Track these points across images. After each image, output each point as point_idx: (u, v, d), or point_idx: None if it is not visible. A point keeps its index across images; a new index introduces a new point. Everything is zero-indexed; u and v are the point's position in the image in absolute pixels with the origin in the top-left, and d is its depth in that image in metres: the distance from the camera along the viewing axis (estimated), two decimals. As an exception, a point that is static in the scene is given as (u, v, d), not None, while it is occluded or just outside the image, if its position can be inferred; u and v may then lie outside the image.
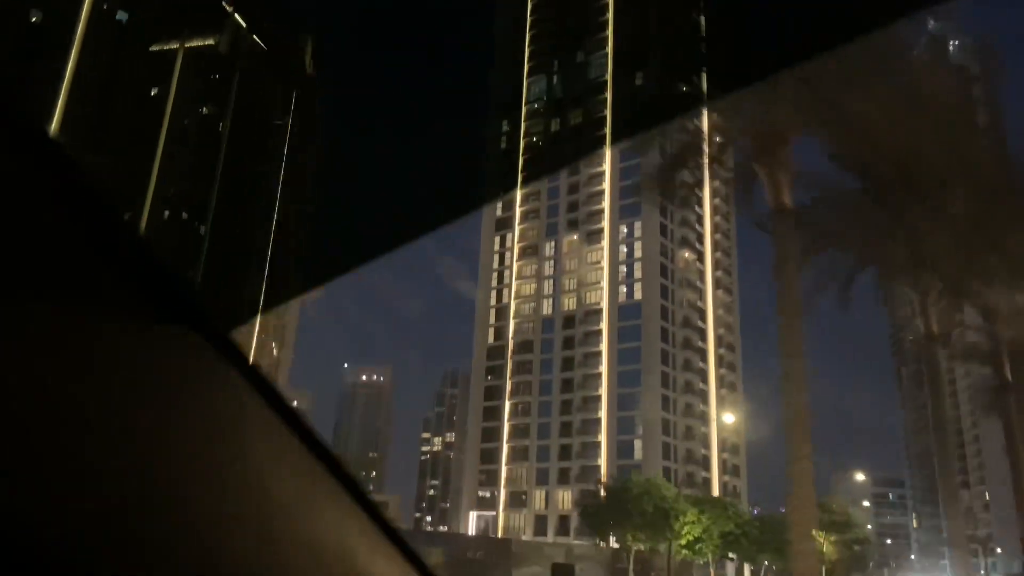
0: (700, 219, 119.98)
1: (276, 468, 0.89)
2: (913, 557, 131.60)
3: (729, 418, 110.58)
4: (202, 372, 0.82)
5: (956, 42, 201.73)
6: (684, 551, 37.25)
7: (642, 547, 39.13)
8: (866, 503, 71.93)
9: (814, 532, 47.92)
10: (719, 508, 35.31)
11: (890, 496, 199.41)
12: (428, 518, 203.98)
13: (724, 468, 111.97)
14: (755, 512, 69.00)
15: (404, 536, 1.12)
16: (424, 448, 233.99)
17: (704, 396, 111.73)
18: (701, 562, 35.73)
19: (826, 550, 45.46)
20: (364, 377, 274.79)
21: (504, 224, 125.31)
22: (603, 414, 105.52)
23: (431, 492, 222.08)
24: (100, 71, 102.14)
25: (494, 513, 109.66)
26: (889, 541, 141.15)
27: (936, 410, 32.34)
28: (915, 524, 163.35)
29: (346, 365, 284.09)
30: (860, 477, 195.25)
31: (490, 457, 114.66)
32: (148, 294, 0.79)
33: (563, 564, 39.39)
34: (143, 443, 0.68)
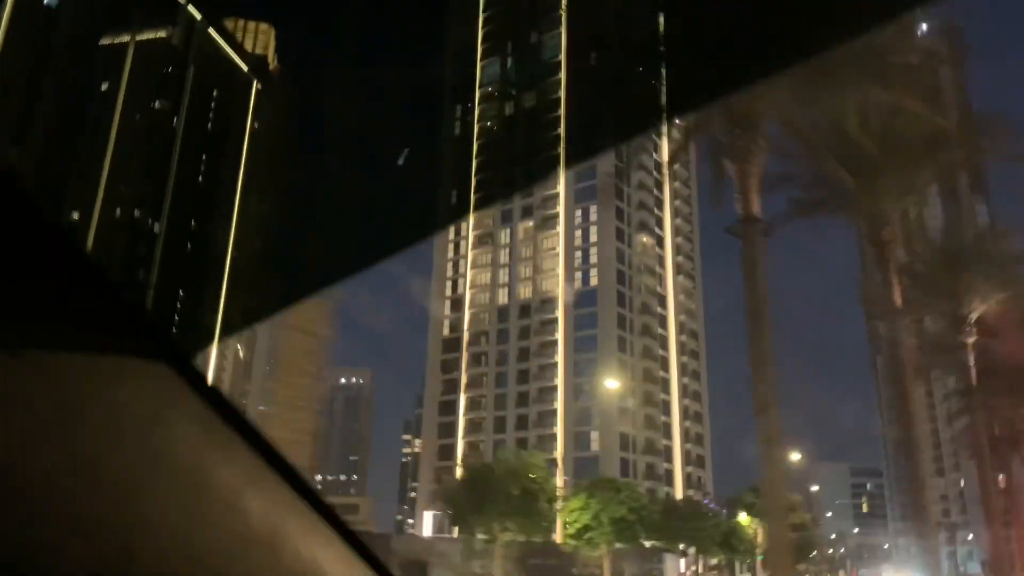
0: (659, 203, 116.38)
1: (241, 493, 0.87)
2: (887, 546, 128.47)
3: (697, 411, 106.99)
4: (161, 396, 0.79)
5: (924, 25, 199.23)
6: (573, 542, 33.10)
7: (510, 538, 34.59)
8: (815, 487, 68.67)
9: (745, 519, 44.71)
10: (611, 491, 31.14)
11: (868, 486, 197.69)
12: (410, 520, 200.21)
13: (688, 459, 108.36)
14: (707, 502, 65.40)
15: (371, 549, 1.14)
16: (405, 450, 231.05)
17: (665, 384, 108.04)
18: (596, 553, 31.49)
19: (760, 538, 41.77)
20: (344, 379, 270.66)
21: (458, 212, 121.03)
22: (559, 405, 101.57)
23: (412, 494, 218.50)
24: (21, 61, 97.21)
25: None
26: (857, 531, 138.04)
27: (899, 396, 28.90)
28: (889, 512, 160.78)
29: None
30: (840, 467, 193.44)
31: (447, 453, 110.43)
32: (101, 316, 0.74)
33: (413, 561, 35.38)
34: (96, 468, 0.67)
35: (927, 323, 28.76)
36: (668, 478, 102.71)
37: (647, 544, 43.00)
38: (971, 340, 22.73)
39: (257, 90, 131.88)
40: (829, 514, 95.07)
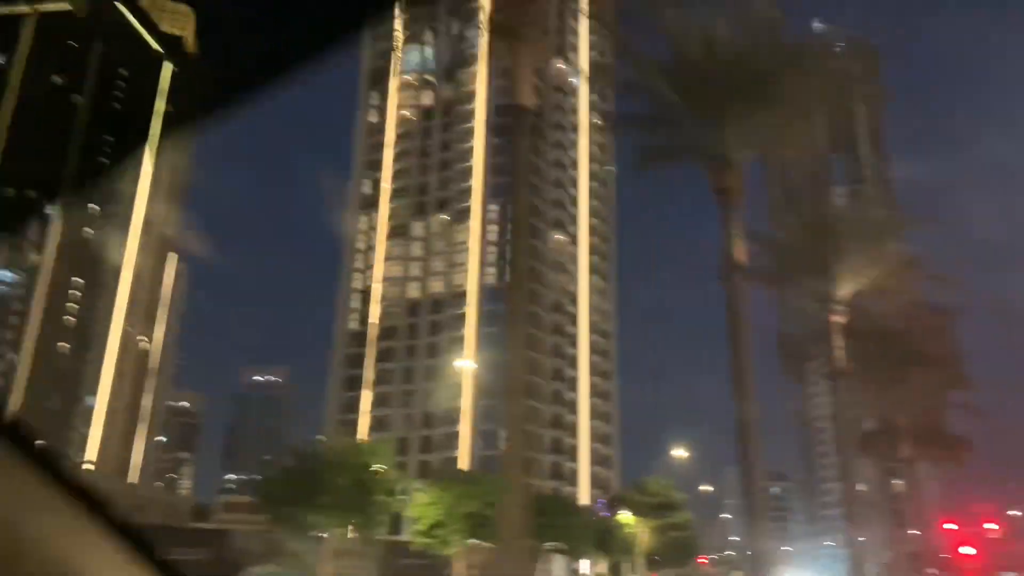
0: (575, 201, 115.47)
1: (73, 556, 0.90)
2: (790, 548, 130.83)
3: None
4: None
5: (839, 44, 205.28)
6: (423, 539, 30.75)
7: (345, 534, 31.69)
8: (706, 487, 68.22)
9: (628, 517, 43.43)
10: (468, 485, 28.87)
11: (775, 490, 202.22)
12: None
13: (595, 458, 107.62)
14: (599, 504, 64.03)
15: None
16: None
17: (574, 384, 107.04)
18: (448, 552, 29.19)
19: (642, 537, 40.44)
20: (260, 378, 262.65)
21: (371, 203, 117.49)
22: (466, 402, 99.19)
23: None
24: None
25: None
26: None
27: (737, 374, 27.90)
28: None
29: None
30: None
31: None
32: None
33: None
34: None
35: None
36: (574, 477, 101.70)
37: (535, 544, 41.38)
38: (839, 321, 21.42)
39: (173, 72, 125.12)
40: (727, 516, 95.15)
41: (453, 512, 28.31)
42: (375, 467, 26.20)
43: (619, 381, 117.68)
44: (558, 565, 54.08)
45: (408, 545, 34.99)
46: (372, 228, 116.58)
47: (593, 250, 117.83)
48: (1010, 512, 69.35)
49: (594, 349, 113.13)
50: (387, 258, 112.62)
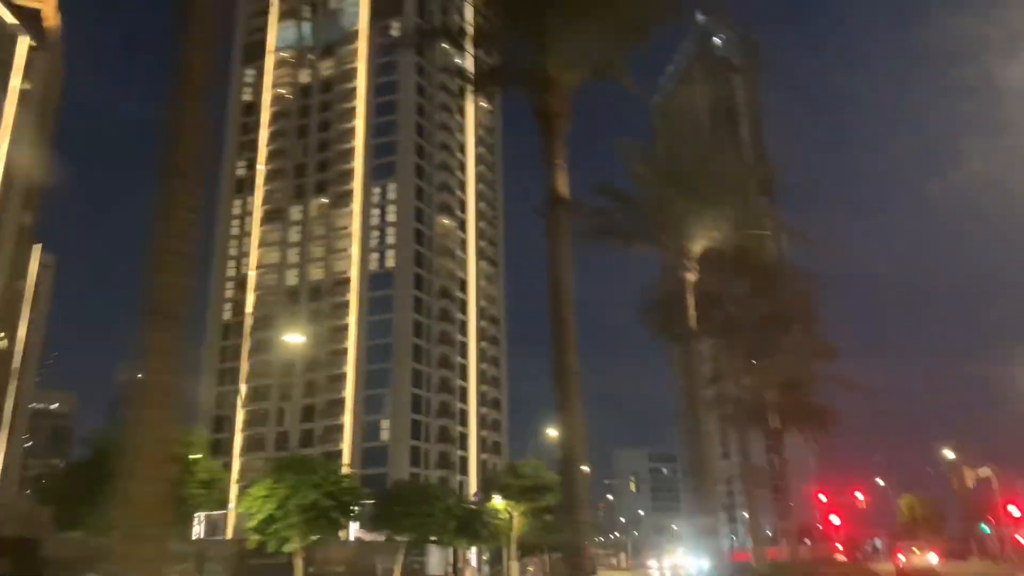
0: (463, 185, 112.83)
1: None
2: (676, 527, 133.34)
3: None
4: None
5: (722, 36, 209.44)
6: (256, 536, 27.53)
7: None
8: (585, 468, 67.40)
9: (500, 503, 41.47)
10: (305, 473, 25.84)
11: (664, 471, 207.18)
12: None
13: (484, 446, 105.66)
14: (476, 498, 61.75)
15: None
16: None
17: (463, 371, 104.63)
18: (288, 550, 26.07)
19: (515, 522, 38.37)
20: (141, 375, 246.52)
21: (245, 185, 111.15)
22: (348, 393, 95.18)
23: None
24: None
25: (225, 512, 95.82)
26: (644, 514, 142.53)
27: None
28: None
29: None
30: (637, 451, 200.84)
31: (226, 448, 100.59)
32: None
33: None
34: None
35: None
36: (463, 466, 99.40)
37: (402, 537, 38.48)
38: (692, 278, 19.77)
39: (30, 47, 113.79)
40: (610, 496, 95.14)
41: (288, 505, 25.14)
42: (193, 457, 22.78)
43: (508, 367, 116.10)
44: (436, 558, 51.43)
45: (244, 544, 31.63)
46: (248, 213, 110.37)
47: (481, 235, 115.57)
48: (877, 480, 71.81)
49: (483, 336, 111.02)
50: (263, 244, 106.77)
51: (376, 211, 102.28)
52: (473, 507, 37.07)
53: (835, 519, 45.92)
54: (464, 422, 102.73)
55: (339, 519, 25.98)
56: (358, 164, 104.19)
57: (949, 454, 55.60)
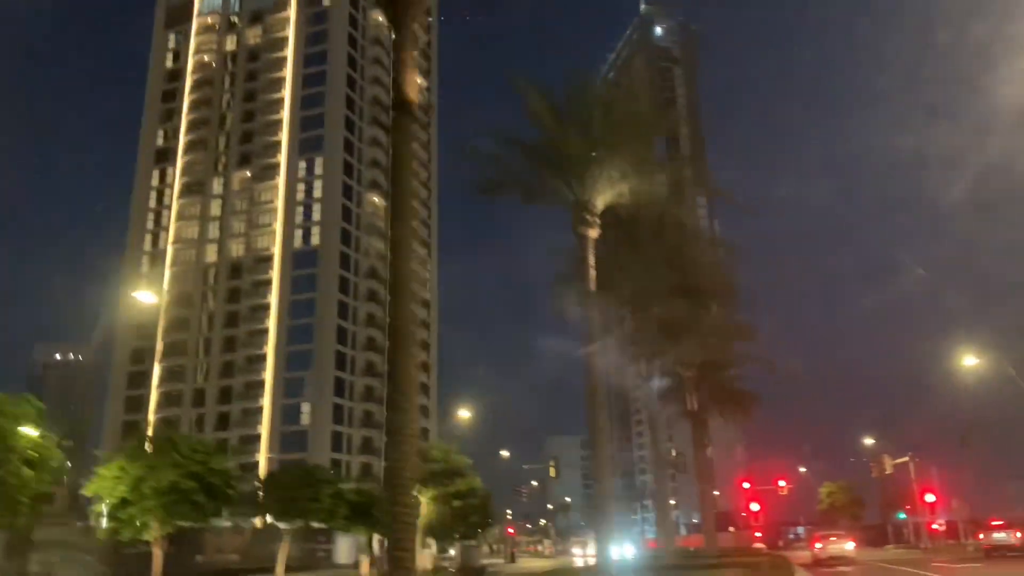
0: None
1: None
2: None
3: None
4: None
5: (663, 25, 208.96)
6: (108, 524, 24.66)
7: None
8: (504, 452, 65.66)
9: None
10: (166, 452, 22.88)
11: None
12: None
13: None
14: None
15: None
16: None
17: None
18: (147, 537, 23.14)
19: (424, 508, 35.99)
20: (59, 356, 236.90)
21: (165, 156, 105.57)
22: (268, 375, 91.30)
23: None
24: None
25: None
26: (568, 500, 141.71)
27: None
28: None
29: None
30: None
31: (135, 431, 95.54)
32: None
33: None
34: None
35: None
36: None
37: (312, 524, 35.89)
38: (593, 234, 17.65)
39: None
40: (535, 482, 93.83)
41: (143, 487, 22.22)
42: (24, 430, 19.64)
43: (439, 353, 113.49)
44: (345, 546, 48.71)
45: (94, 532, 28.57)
46: (167, 185, 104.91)
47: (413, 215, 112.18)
48: (801, 469, 71.90)
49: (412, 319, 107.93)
50: (181, 217, 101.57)
51: (302, 186, 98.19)
52: (375, 492, 34.53)
53: (755, 506, 45.14)
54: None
55: (205, 504, 23.15)
56: (284, 136, 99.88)
57: (869, 441, 55.67)
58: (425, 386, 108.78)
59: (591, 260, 17.77)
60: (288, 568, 34.51)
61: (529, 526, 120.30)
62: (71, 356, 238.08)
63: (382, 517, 32.63)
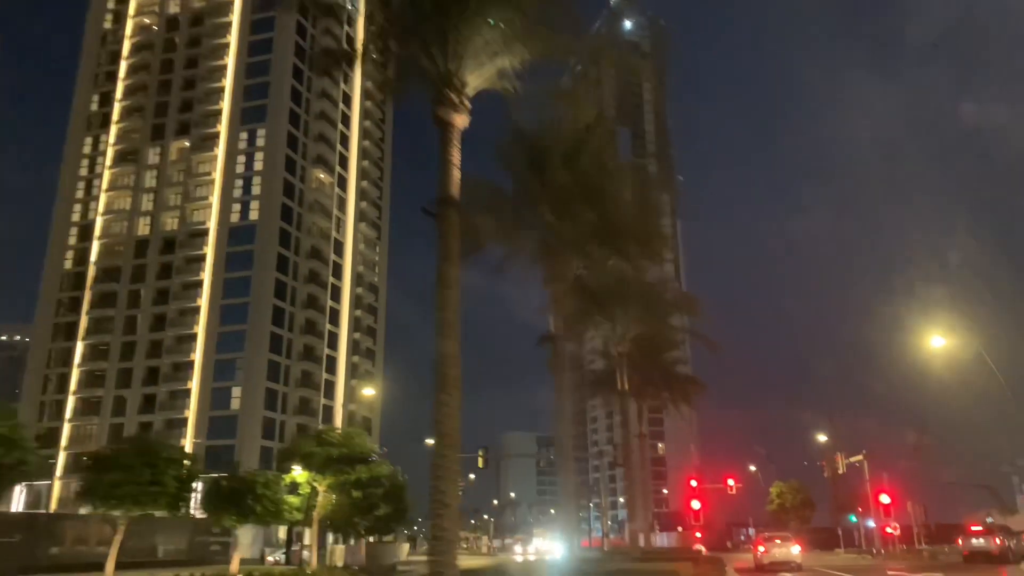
0: (345, 139, 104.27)
1: None
2: (553, 511, 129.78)
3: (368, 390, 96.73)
4: None
5: (632, 20, 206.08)
6: None
7: None
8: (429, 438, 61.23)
9: (300, 474, 34.70)
10: None
11: (551, 455, 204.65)
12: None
13: (351, 421, 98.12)
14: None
15: None
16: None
17: (333, 339, 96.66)
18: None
19: (320, 498, 31.64)
20: (4, 337, 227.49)
21: (99, 121, 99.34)
22: (198, 356, 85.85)
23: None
24: None
25: (50, 482, 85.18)
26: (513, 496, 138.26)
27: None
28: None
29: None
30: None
31: (56, 411, 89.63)
32: None
33: None
34: None
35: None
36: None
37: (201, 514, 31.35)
38: (461, 123, 13.70)
39: None
40: (472, 475, 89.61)
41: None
42: None
43: (387, 340, 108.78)
44: (246, 537, 44.02)
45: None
46: (100, 153, 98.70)
47: (363, 195, 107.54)
48: (751, 468, 68.71)
49: (358, 304, 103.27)
50: (113, 188, 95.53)
51: (242, 158, 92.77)
52: (247, 477, 30.05)
53: (695, 503, 41.55)
54: (331, 394, 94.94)
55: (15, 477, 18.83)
56: (226, 105, 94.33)
57: (822, 438, 52.46)
58: (370, 374, 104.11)
59: (455, 158, 13.76)
60: (160, 563, 30.02)
61: (473, 522, 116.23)
62: (15, 338, 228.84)
63: (253, 506, 28.29)
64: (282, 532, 52.05)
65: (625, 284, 24.60)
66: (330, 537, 44.97)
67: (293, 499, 31.07)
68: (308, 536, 34.52)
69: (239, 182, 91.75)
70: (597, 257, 21.93)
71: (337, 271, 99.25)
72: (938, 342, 27.90)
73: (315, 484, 30.79)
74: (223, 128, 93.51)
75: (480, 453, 41.56)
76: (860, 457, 46.16)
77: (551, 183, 19.39)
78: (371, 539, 40.25)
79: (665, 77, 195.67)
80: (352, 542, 42.21)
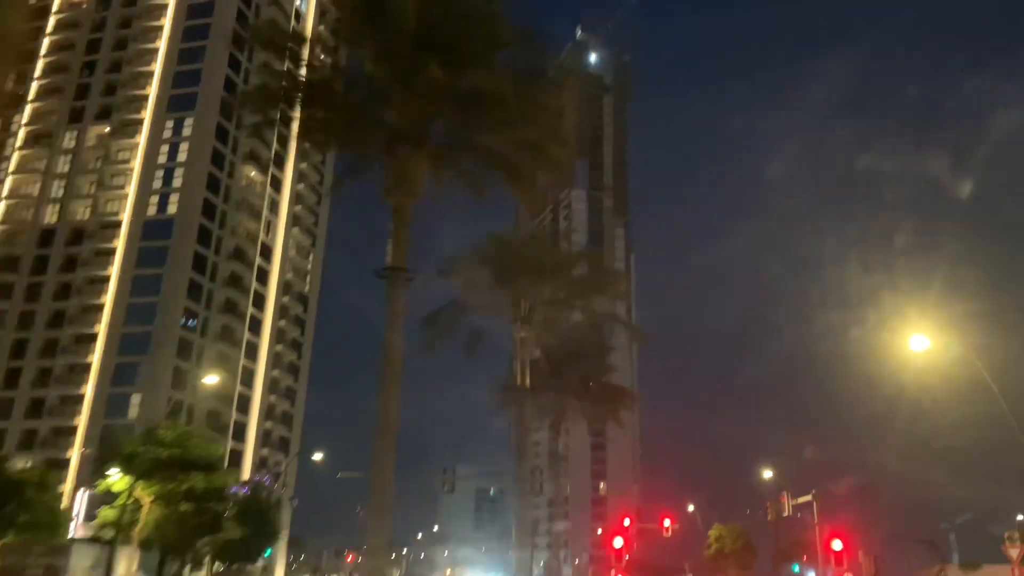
0: (283, 139, 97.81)
1: None
2: (484, 548, 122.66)
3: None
4: None
5: (597, 54, 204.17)
6: None
7: None
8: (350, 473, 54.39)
9: (118, 480, 28.56)
10: None
11: (491, 490, 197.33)
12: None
13: (266, 440, 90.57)
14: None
15: None
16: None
17: (253, 350, 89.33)
18: None
19: (144, 509, 25.21)
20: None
21: (13, 102, 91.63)
22: (96, 358, 77.90)
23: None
24: None
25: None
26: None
27: None
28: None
29: None
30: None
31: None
32: None
33: None
34: None
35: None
36: (235, 460, 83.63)
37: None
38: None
39: None
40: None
41: None
42: None
43: (313, 353, 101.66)
44: (84, 559, 36.78)
45: None
46: (12, 135, 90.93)
47: (299, 199, 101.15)
48: (689, 508, 63.35)
49: (284, 314, 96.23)
50: (21, 170, 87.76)
51: (166, 148, 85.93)
52: (13, 477, 23.65)
53: (618, 541, 36.05)
54: (245, 409, 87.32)
55: None
56: (153, 90, 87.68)
57: (768, 474, 47.38)
58: (292, 390, 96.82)
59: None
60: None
61: (394, 556, 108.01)
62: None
63: (28, 515, 21.85)
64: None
65: (532, 246, 19.28)
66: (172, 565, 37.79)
67: (108, 511, 24.65)
68: (124, 560, 28.00)
69: (160, 173, 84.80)
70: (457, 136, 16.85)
71: (263, 276, 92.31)
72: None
73: (138, 494, 24.40)
74: (148, 114, 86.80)
75: (359, 473, 35.32)
76: (808, 498, 41.19)
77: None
78: (223, 567, 33.56)
79: (625, 113, 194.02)
80: (191, 571, 35.13)
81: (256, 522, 29.15)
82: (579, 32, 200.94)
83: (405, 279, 15.36)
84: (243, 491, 35.56)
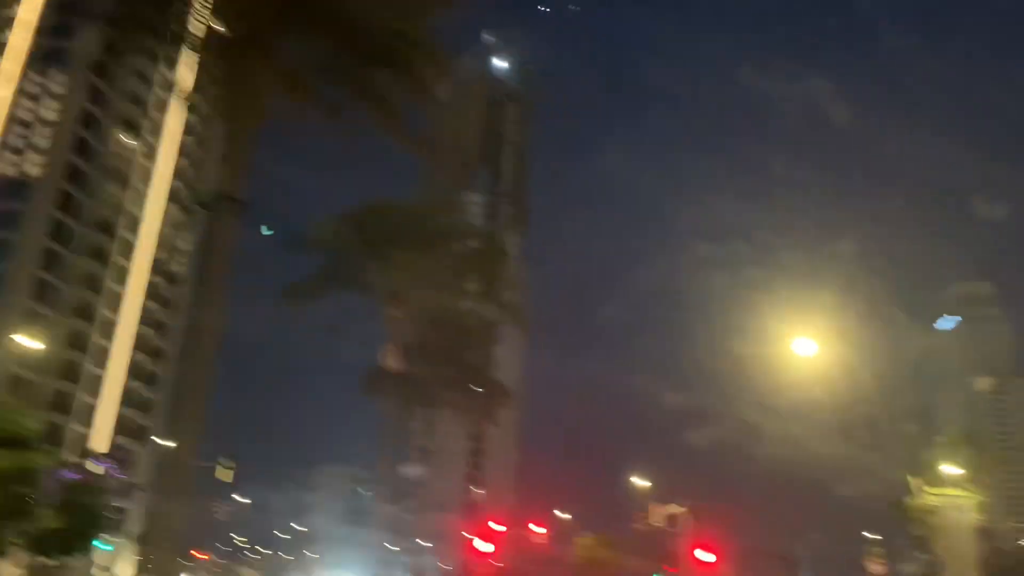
0: (165, 106, 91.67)
1: None
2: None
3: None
4: None
5: (501, 58, 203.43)
6: None
7: None
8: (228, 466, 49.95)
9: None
10: None
11: (360, 490, 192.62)
12: None
13: (121, 427, 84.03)
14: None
15: None
16: None
17: (109, 328, 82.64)
18: None
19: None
20: None
21: None
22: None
23: None
24: None
25: None
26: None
27: None
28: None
29: None
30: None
31: None
32: None
33: None
34: None
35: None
36: (77, 444, 76.65)
37: None
38: None
39: None
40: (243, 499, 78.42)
41: None
42: None
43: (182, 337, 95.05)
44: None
45: None
46: None
47: (180, 173, 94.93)
48: (565, 515, 62.57)
49: (152, 293, 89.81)
50: None
51: (30, 103, 78.52)
52: None
53: (484, 545, 34.46)
54: (95, 391, 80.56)
55: None
56: (20, 40, 79.93)
57: (639, 483, 46.93)
58: (154, 376, 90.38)
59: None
60: None
61: (258, 555, 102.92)
62: None
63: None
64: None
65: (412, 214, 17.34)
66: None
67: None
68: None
69: (20, 129, 77.26)
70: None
71: (127, 250, 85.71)
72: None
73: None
74: (12, 66, 78.94)
75: (219, 463, 32.27)
76: (683, 510, 40.88)
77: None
78: (44, 560, 29.66)
79: (529, 122, 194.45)
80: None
81: (81, 514, 25.58)
82: (483, 35, 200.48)
83: (236, 211, 13.28)
84: (69, 476, 31.80)
